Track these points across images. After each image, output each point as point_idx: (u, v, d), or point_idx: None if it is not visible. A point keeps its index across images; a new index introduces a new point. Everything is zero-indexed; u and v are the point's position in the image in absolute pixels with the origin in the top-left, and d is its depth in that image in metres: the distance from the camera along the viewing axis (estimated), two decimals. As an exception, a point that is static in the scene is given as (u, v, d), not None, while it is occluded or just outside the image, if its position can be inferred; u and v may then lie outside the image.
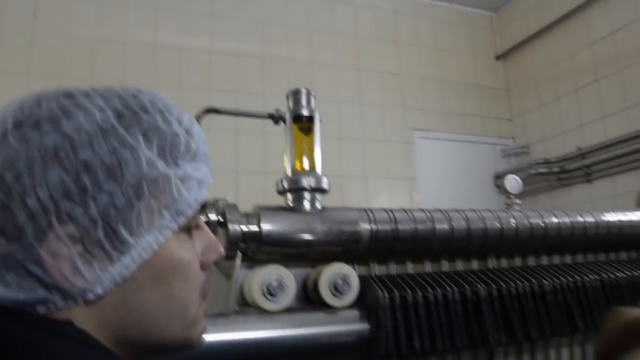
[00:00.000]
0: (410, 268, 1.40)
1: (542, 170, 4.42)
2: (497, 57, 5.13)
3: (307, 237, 1.22)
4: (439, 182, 4.49)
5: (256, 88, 3.91)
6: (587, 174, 4.19)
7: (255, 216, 1.21)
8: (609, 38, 4.15)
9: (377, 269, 1.37)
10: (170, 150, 0.56)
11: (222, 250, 0.62)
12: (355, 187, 4.11)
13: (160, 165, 0.54)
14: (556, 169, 4.38)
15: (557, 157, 4.40)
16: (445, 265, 1.45)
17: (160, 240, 0.54)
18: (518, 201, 2.05)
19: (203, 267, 0.60)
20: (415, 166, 4.42)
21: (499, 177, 4.71)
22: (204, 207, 0.62)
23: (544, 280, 1.45)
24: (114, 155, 0.52)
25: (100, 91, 0.56)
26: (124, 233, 0.51)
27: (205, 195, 0.60)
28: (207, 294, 0.61)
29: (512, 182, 2.34)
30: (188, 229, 0.58)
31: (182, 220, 0.56)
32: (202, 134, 0.61)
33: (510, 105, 5.03)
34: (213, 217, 1.22)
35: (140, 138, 0.54)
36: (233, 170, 3.70)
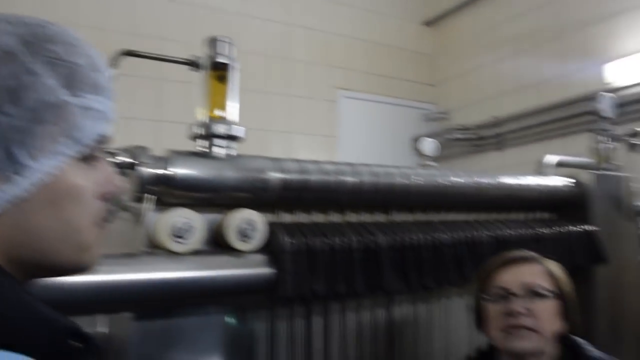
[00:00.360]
0: (317, 218, 1.46)
1: (459, 135, 4.61)
2: (425, 23, 5.23)
3: (217, 182, 1.25)
4: (360, 142, 4.60)
5: (182, 36, 3.82)
6: (500, 142, 4.42)
7: (166, 160, 1.23)
8: (530, 14, 4.34)
9: (286, 218, 1.43)
10: (73, 80, 0.57)
11: (120, 183, 0.65)
12: (277, 142, 4.14)
13: (62, 93, 0.56)
14: (472, 136, 4.59)
15: (474, 124, 4.60)
16: (351, 217, 1.53)
17: (58, 166, 0.56)
18: (433, 164, 2.15)
19: (101, 197, 0.62)
20: (337, 125, 4.50)
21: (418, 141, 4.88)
22: (107, 143, 0.64)
23: (442, 234, 1.56)
24: (15, 79, 0.53)
25: (8, 17, 0.57)
26: (21, 155, 0.53)
27: (108, 128, 0.62)
28: (104, 224, 0.64)
29: (428, 145, 2.45)
30: (88, 159, 0.60)
31: (81, 149, 0.58)
32: (108, 70, 0.63)
33: (434, 71, 5.18)
34: (124, 159, 1.22)
35: (45, 66, 0.55)
36: (156, 119, 3.63)
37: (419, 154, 2.49)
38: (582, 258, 2.04)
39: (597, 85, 3.75)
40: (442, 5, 5.08)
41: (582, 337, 1.37)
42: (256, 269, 1.26)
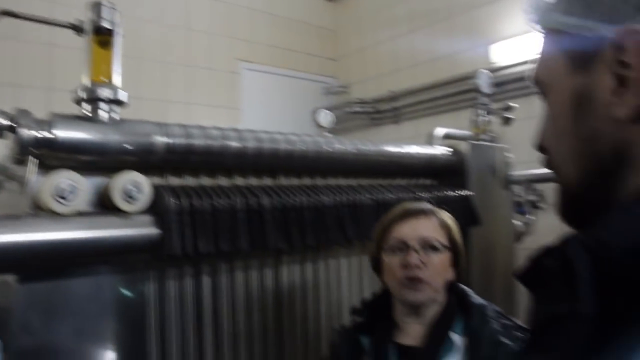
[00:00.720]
0: (204, 181, 1.52)
1: (357, 109, 4.78)
2: (328, -1, 5.34)
3: (101, 145, 1.28)
4: (262, 113, 4.66)
5: (76, 1, 3.68)
6: (396, 116, 4.63)
7: (49, 123, 1.24)
8: (425, -7, 4.56)
9: (174, 181, 1.47)
10: None
11: None
12: (178, 113, 4.11)
13: None
14: (370, 109, 4.77)
15: (372, 98, 4.79)
16: (238, 181, 1.60)
17: None
18: (330, 135, 2.25)
19: None
20: (240, 96, 4.53)
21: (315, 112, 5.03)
22: None
23: (324, 197, 1.66)
24: None
25: None
26: None
27: None
28: None
29: (325, 116, 2.56)
30: None
31: None
32: None
33: (336, 46, 5.31)
34: (3, 122, 1.22)
35: None
36: (47, 87, 3.49)
37: (317, 125, 2.59)
38: (458, 220, 2.22)
39: (483, 64, 4.00)
40: (344, -19, 5.22)
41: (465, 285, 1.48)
42: (142, 229, 1.31)
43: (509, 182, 2.72)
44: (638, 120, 0.50)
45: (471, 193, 2.33)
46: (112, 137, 1.29)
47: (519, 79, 3.78)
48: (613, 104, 0.51)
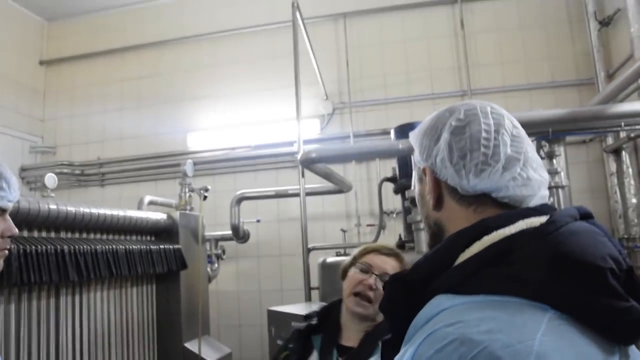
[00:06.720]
0: (25, 233, 2.18)
1: (65, 170, 5.30)
2: (41, 62, 5.74)
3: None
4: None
5: None
6: (102, 180, 5.32)
7: None
8: (135, 80, 5.45)
9: None
10: None
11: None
12: None
13: None
14: (78, 172, 5.35)
15: (80, 162, 5.37)
16: (44, 233, 2.28)
17: None
18: (52, 194, 2.94)
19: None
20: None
21: (24, 170, 5.35)
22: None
23: (98, 246, 2.45)
24: None
25: None
26: None
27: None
28: None
29: (50, 180, 3.24)
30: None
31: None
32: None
33: (45, 107, 5.72)
34: None
35: None
36: None
37: (42, 186, 3.24)
38: (173, 265, 3.17)
39: (182, 146, 5.12)
40: (61, 50, 5.70)
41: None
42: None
43: (203, 239, 3.77)
44: (436, 208, 0.87)
45: (180, 247, 3.31)
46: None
47: (208, 162, 4.98)
48: (429, 200, 0.88)
